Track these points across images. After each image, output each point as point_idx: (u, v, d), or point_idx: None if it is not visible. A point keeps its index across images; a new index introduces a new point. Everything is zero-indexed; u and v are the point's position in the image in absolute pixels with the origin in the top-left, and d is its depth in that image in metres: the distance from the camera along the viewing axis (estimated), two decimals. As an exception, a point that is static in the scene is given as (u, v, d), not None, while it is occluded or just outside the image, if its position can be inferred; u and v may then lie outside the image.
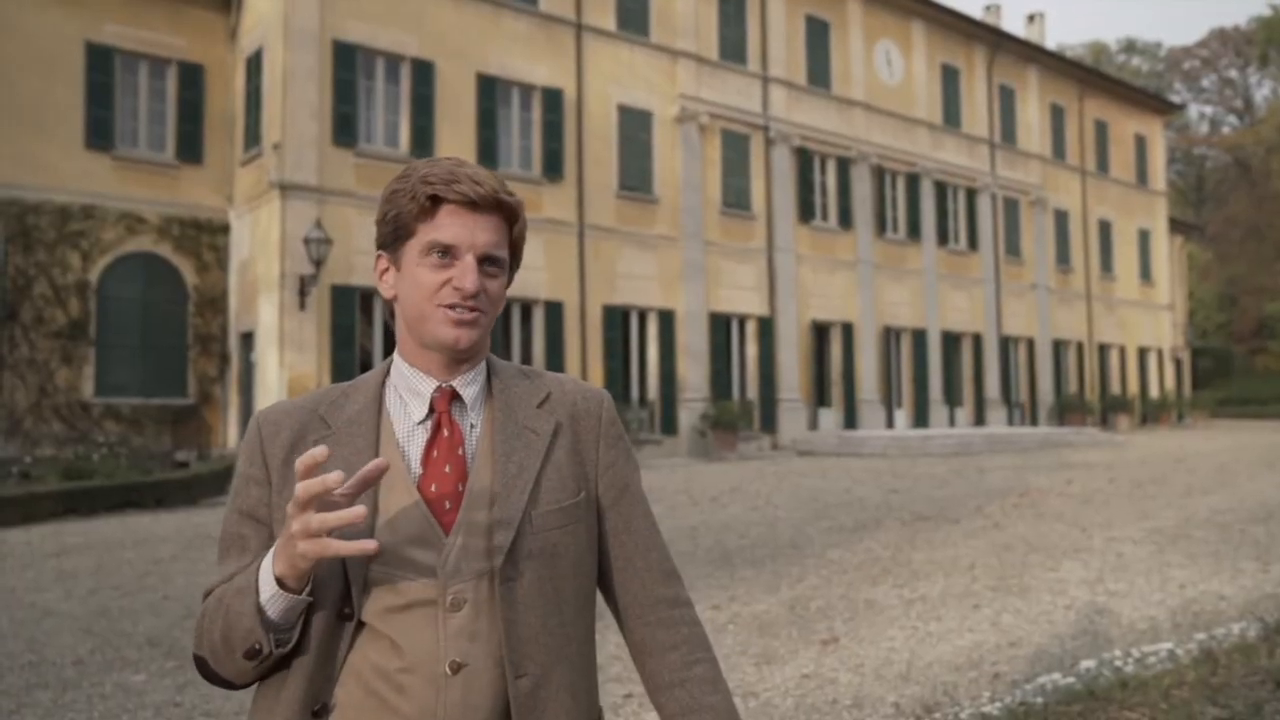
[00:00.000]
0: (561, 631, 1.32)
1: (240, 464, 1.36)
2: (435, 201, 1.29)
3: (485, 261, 1.31)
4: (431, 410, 1.33)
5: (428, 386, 1.34)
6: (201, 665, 1.31)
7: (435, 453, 1.31)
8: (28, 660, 5.51)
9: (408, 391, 1.35)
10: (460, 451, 1.32)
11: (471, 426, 1.35)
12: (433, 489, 1.30)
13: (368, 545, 1.15)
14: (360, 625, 1.27)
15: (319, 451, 1.16)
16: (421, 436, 1.33)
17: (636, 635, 1.42)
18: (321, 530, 1.15)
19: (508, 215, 1.34)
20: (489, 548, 1.28)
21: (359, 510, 1.14)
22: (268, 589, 1.21)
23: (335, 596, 1.27)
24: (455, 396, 1.34)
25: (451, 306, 1.29)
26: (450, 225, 1.29)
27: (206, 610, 1.29)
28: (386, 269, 1.36)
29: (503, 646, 1.27)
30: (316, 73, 16.37)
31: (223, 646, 1.25)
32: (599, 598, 1.45)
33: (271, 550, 1.22)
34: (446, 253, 1.29)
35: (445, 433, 1.32)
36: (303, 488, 1.14)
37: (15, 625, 6.33)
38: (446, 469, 1.31)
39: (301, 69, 16.19)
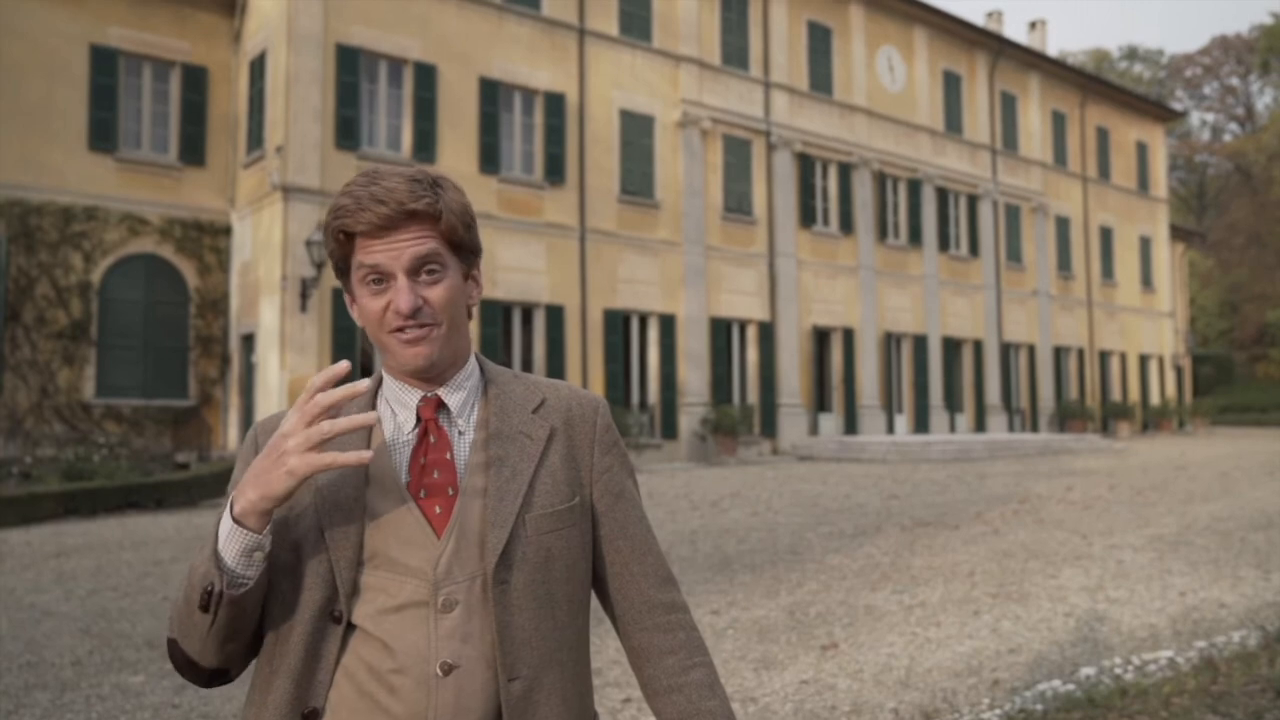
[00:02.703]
0: (554, 635, 1.32)
1: (237, 470, 1.37)
2: (350, 235, 1.29)
3: (419, 271, 1.29)
4: (419, 419, 1.34)
5: (412, 398, 1.35)
6: (172, 649, 1.30)
7: (423, 459, 1.32)
8: (26, 661, 5.50)
9: (396, 403, 1.36)
10: (448, 456, 1.33)
11: (460, 433, 1.35)
12: (422, 494, 1.30)
13: (364, 455, 1.18)
14: (351, 628, 1.28)
15: (342, 366, 1.20)
16: (410, 445, 1.34)
17: (633, 640, 1.42)
18: (330, 435, 1.19)
19: (429, 217, 1.29)
20: (482, 550, 1.29)
21: (366, 453, 1.19)
22: (225, 527, 1.21)
23: (323, 598, 1.27)
24: (441, 405, 1.35)
25: (400, 329, 1.29)
26: (372, 249, 1.28)
27: (180, 586, 1.30)
28: (350, 301, 1.37)
29: (495, 649, 1.27)
30: (319, 76, 16.40)
31: (185, 608, 1.25)
32: (595, 603, 1.45)
33: (230, 498, 1.23)
34: (380, 279, 1.29)
35: (431, 439, 1.33)
36: (325, 395, 1.19)
37: (14, 626, 6.33)
38: (435, 474, 1.32)
39: (305, 72, 16.22)
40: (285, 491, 1.19)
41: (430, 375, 1.34)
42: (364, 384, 1.20)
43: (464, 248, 1.34)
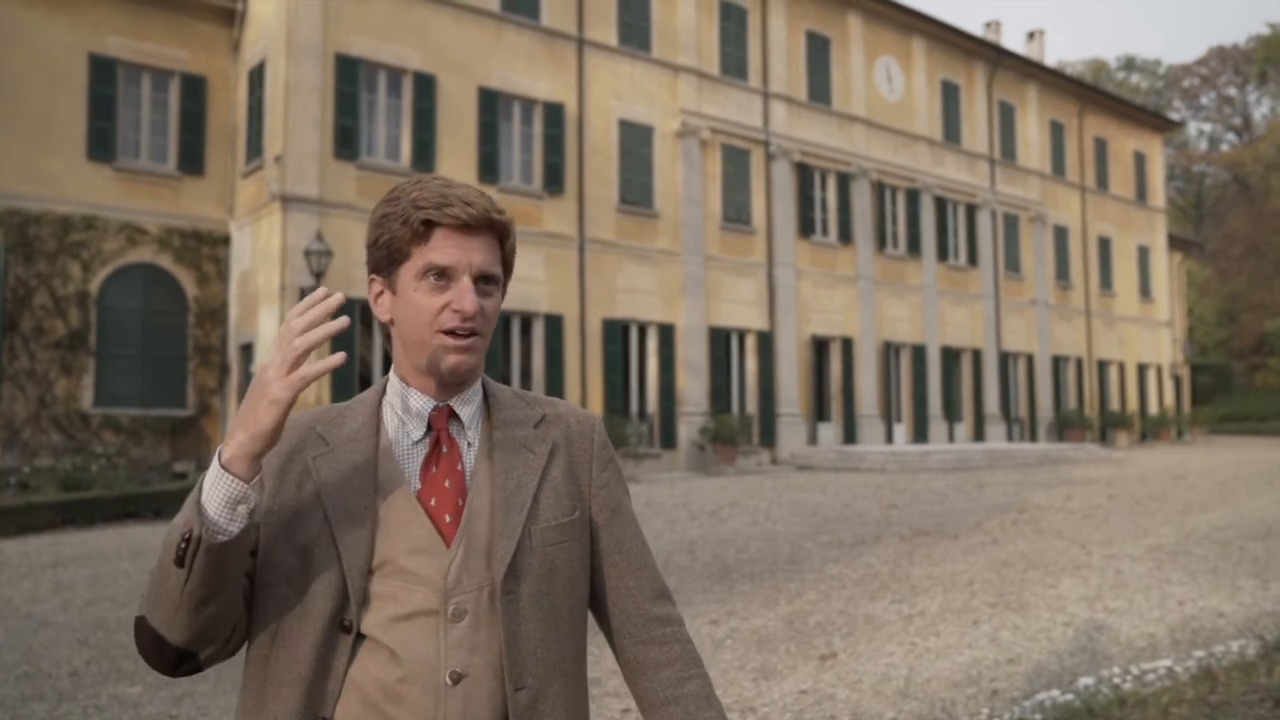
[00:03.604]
0: (558, 646, 1.33)
1: None
2: (429, 225, 1.30)
3: (481, 280, 1.32)
4: (429, 429, 1.34)
5: (425, 406, 1.35)
6: (140, 628, 1.24)
7: (434, 468, 1.33)
8: (23, 671, 5.49)
9: (405, 411, 1.36)
10: (459, 467, 1.34)
11: (469, 444, 1.36)
12: (432, 503, 1.31)
13: (335, 359, 1.17)
14: (360, 638, 1.27)
15: (337, 298, 1.21)
16: (420, 453, 1.34)
17: (629, 654, 1.43)
18: (305, 348, 1.17)
19: (499, 233, 1.34)
20: (489, 560, 1.30)
21: (340, 356, 1.18)
22: (211, 475, 1.16)
23: (334, 607, 1.26)
24: (453, 415, 1.36)
25: (451, 332, 1.30)
26: (445, 247, 1.30)
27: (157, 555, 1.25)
28: (381, 292, 1.36)
29: (503, 658, 1.28)
30: (319, 85, 16.43)
31: (158, 572, 1.20)
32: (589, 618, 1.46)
33: (219, 448, 1.19)
34: (443, 275, 1.30)
35: (444, 449, 1.34)
36: (303, 339, 1.18)
37: (11, 636, 6.31)
38: (446, 484, 1.32)
39: (304, 82, 16.25)
40: (273, 423, 1.16)
41: (457, 384, 1.34)
42: (340, 356, 1.17)
43: (508, 272, 1.38)
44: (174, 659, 1.25)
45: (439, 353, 1.30)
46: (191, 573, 1.16)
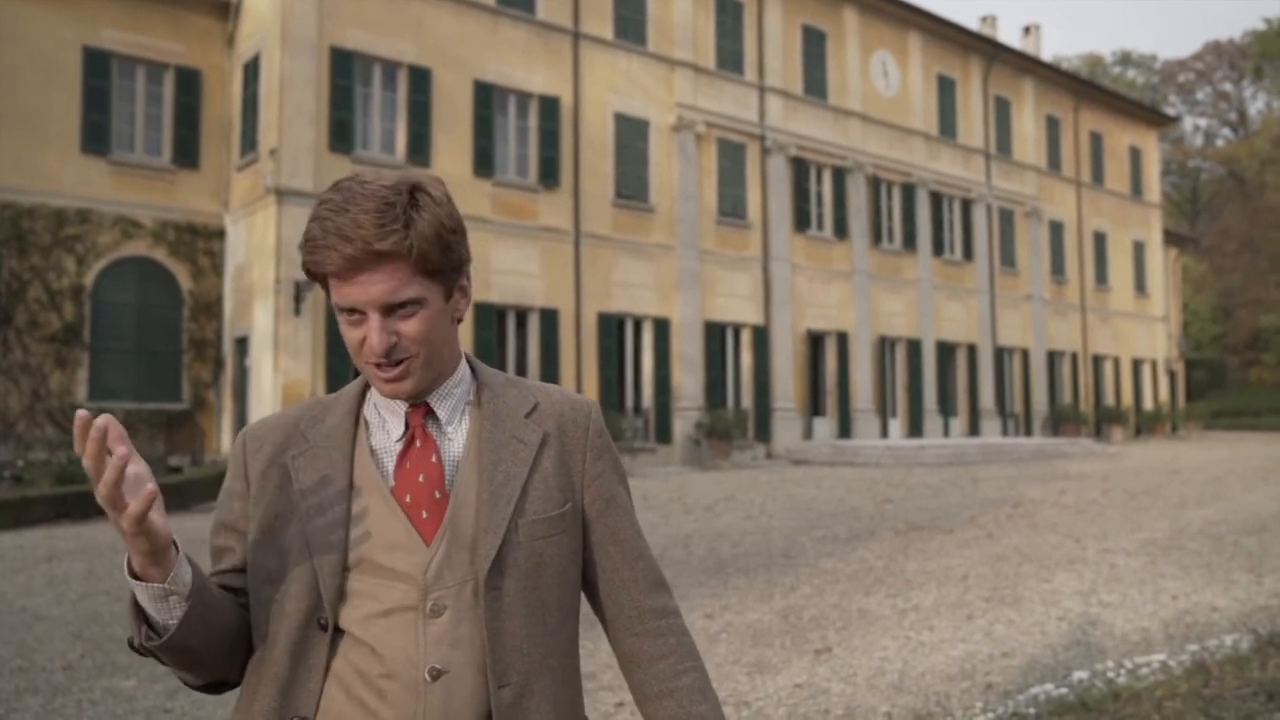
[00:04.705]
0: (545, 642, 1.31)
1: (226, 478, 1.37)
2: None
3: (392, 310, 1.25)
4: (407, 426, 1.33)
5: (401, 405, 1.34)
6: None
7: (408, 463, 1.31)
8: (17, 665, 5.48)
9: (385, 409, 1.35)
10: (434, 459, 1.32)
11: (449, 438, 1.34)
12: (408, 499, 1.29)
13: (147, 491, 1.08)
14: (340, 633, 1.27)
15: (99, 421, 1.07)
16: (397, 449, 1.33)
17: (624, 646, 1.42)
18: (110, 485, 1.07)
19: (398, 254, 1.22)
20: (473, 556, 1.28)
21: (151, 490, 1.09)
22: (131, 584, 1.16)
23: (309, 605, 1.26)
24: (429, 412, 1.34)
25: (378, 364, 1.27)
26: (342, 288, 1.24)
27: None
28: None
29: (486, 655, 1.26)
30: (314, 79, 16.38)
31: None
32: (585, 608, 1.45)
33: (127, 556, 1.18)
34: (354, 312, 1.26)
35: (417, 443, 1.32)
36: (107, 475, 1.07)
37: (5, 630, 6.30)
38: (420, 478, 1.30)
39: (299, 75, 16.20)
40: (149, 546, 1.12)
41: (414, 398, 1.33)
42: (151, 489, 1.10)
43: (443, 271, 1.27)
44: (204, 687, 1.31)
45: (377, 381, 1.29)
46: (163, 660, 1.21)
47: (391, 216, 1.20)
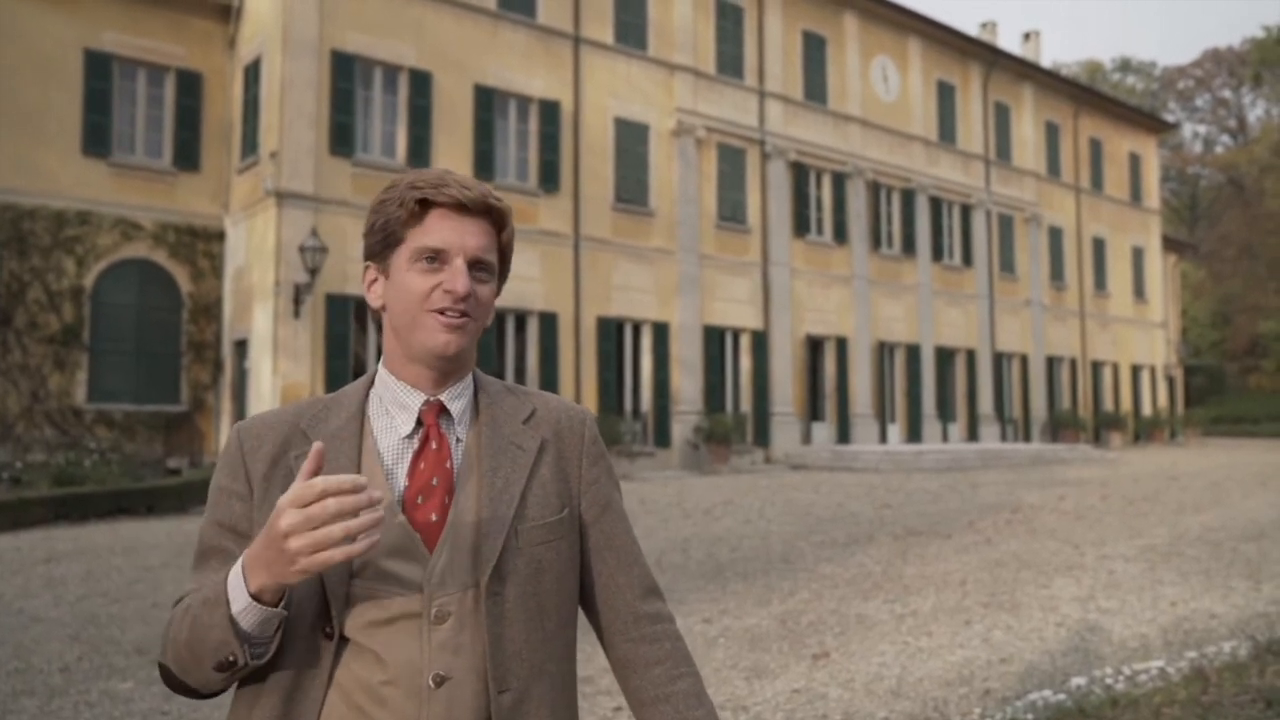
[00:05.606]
0: (544, 646, 1.31)
1: (219, 476, 1.34)
2: (424, 206, 1.29)
3: (475, 266, 1.31)
4: (419, 424, 1.32)
5: (415, 400, 1.33)
6: (166, 674, 1.27)
7: (422, 465, 1.30)
8: (14, 667, 5.48)
9: (394, 405, 1.33)
10: (448, 465, 1.31)
11: (458, 440, 1.34)
12: (419, 501, 1.29)
13: (368, 542, 1.10)
14: (344, 641, 1.26)
15: (375, 493, 1.11)
16: (408, 449, 1.32)
17: (619, 652, 1.42)
18: (338, 541, 1.09)
19: (496, 220, 1.34)
20: (475, 561, 1.28)
21: (363, 544, 1.10)
22: (240, 601, 1.15)
23: (314, 614, 1.25)
24: (443, 410, 1.33)
25: (442, 311, 1.28)
26: (440, 229, 1.29)
27: (174, 619, 1.25)
28: (375, 279, 1.35)
29: (486, 660, 1.26)
30: (315, 82, 16.40)
31: (189, 656, 1.21)
32: (580, 615, 1.45)
33: (240, 560, 1.17)
34: (436, 257, 1.29)
35: (433, 445, 1.31)
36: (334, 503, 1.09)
37: (2, 631, 6.29)
38: (434, 482, 1.30)
39: (300, 78, 16.21)
40: (296, 581, 1.14)
41: (446, 371, 1.32)
42: (374, 537, 1.12)
43: (505, 265, 1.38)
44: (208, 695, 1.30)
45: (430, 331, 1.29)
46: (233, 677, 1.23)
47: (497, 199, 1.35)
